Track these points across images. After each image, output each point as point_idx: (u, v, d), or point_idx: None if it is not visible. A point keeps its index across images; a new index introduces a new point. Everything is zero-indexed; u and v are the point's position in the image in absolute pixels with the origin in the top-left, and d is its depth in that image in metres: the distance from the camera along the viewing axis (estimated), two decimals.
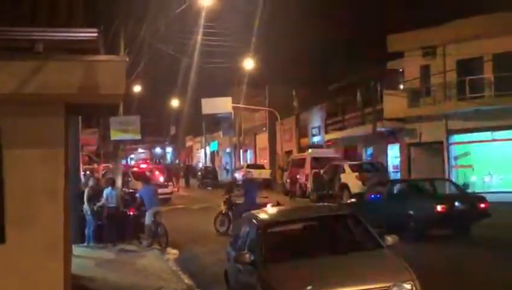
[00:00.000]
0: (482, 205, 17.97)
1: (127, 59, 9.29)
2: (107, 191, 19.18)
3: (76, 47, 7.85)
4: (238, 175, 51.49)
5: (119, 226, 19.31)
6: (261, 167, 51.45)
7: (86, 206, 18.94)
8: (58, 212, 7.96)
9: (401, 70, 36.24)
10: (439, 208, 17.29)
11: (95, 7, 8.43)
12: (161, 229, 18.99)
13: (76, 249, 16.00)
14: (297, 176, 38.24)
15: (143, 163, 59.72)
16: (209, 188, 51.91)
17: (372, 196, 20.35)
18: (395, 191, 20.06)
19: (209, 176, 56.84)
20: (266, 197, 37.05)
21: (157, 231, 18.93)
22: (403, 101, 34.41)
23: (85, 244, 18.66)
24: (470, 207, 17.89)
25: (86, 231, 19.00)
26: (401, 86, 36.09)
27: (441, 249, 16.17)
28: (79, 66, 7.57)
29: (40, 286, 7.85)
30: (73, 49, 7.87)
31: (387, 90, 36.07)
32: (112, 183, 20.01)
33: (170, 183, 42.43)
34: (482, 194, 29.60)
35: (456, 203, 17.79)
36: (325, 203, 13.83)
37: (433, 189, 19.81)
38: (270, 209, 11.83)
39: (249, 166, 53.57)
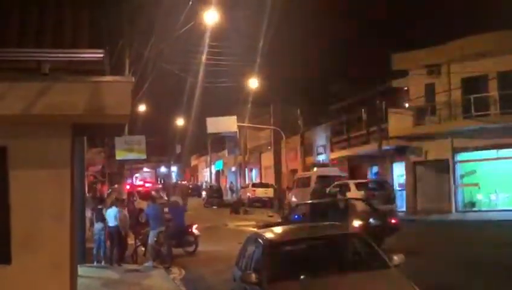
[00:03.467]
0: (393, 221, 19.64)
1: (133, 80, 9.31)
2: (110, 211, 19.18)
3: (82, 68, 7.90)
4: (244, 194, 51.51)
5: (121, 246, 19.33)
6: (266, 185, 51.38)
7: (98, 225, 18.97)
8: (64, 233, 7.96)
9: (406, 88, 36.27)
10: (356, 224, 18.27)
11: (100, 28, 8.48)
12: (164, 249, 18.94)
13: (82, 269, 15.95)
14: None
15: (147, 182, 59.97)
16: (215, 207, 51.84)
17: (296, 216, 21.21)
18: (316, 211, 20.64)
19: (215, 195, 56.72)
20: (271, 216, 37.12)
21: (160, 250, 18.89)
22: (408, 120, 34.40)
23: (94, 264, 18.67)
24: (383, 223, 19.17)
25: (95, 251, 19.02)
26: (406, 105, 36.10)
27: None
28: (85, 87, 7.62)
29: None
30: (79, 70, 7.92)
31: (392, 109, 36.09)
32: (116, 202, 20.05)
33: None
34: (488, 212, 29.96)
35: (371, 220, 19.04)
36: (332, 222, 13.81)
37: (349, 208, 20.81)
38: (277, 229, 11.78)
39: (254, 185, 53.51)
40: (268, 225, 20.25)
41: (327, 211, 20.41)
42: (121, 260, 19.06)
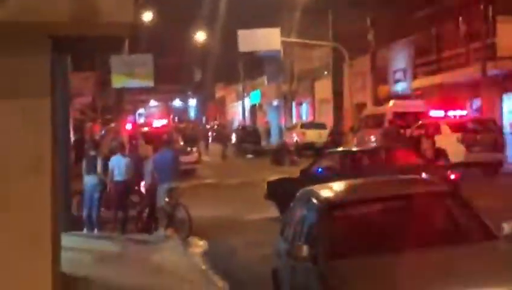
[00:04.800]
0: (452, 176, 20.35)
1: None
2: (114, 160, 19.50)
3: None
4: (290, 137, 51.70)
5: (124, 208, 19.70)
6: (322, 126, 51.38)
7: (90, 179, 19.30)
8: (44, 188, 8.00)
9: None
10: None
11: None
12: (180, 213, 19.12)
13: (68, 239, 16.19)
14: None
15: (160, 118, 60.65)
16: (250, 155, 52.25)
17: (319, 168, 21.92)
18: (348, 163, 21.61)
19: (250, 139, 57.09)
20: None
21: (174, 214, 19.07)
22: None
23: (84, 232, 19.02)
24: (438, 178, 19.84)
25: (85, 214, 19.37)
26: None
27: None
28: None
29: None
30: None
31: (502, 16, 35.57)
32: (121, 148, 20.40)
33: (194, 148, 42.64)
34: None
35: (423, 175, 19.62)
36: (415, 175, 13.70)
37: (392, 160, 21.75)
38: (336, 184, 11.74)
39: (304, 125, 53.55)
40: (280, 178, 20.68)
41: (364, 164, 20.88)
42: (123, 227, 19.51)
